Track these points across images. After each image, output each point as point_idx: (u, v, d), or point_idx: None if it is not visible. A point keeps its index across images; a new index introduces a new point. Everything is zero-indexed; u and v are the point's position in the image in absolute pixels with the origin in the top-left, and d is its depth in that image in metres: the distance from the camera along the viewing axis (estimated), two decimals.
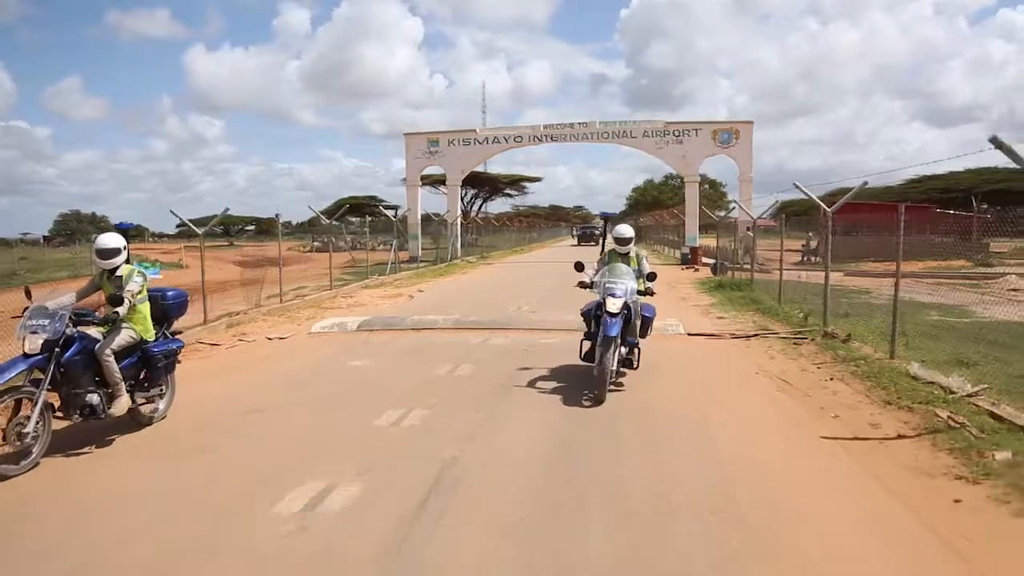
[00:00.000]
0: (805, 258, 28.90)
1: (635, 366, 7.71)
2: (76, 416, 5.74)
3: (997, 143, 5.49)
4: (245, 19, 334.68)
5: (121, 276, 6.17)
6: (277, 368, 9.42)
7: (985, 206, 33.12)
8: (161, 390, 6.58)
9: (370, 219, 36.04)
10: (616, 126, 34.92)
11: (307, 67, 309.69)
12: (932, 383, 7.17)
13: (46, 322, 5.50)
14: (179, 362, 6.95)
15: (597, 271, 7.89)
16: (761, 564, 3.77)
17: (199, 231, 14.73)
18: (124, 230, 6.59)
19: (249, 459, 5.59)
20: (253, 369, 9.43)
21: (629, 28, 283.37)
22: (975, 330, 10.97)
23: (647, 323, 7.98)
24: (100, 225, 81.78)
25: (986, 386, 6.76)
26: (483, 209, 79.68)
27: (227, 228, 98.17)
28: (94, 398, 5.77)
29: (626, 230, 8.12)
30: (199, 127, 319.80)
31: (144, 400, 6.34)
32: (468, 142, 36.78)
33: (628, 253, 8.03)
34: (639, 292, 7.65)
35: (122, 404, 5.91)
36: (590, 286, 7.83)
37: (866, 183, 11.20)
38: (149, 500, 4.75)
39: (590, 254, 10.80)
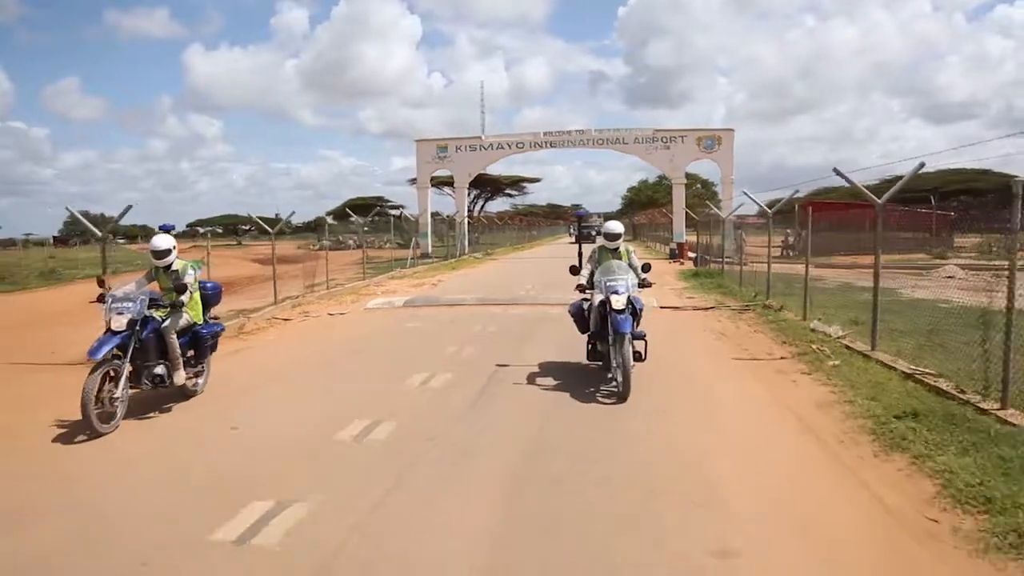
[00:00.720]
0: (784, 252, 31.91)
1: (643, 358, 7.62)
2: (146, 384, 6.64)
3: (837, 172, 8.67)
4: (244, 18, 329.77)
5: (177, 270, 7.10)
6: (352, 331, 12.68)
7: (955, 203, 36.16)
8: (203, 367, 7.52)
9: (377, 219, 38.60)
10: (610, 133, 38.16)
11: (305, 66, 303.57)
12: (821, 332, 10.35)
13: (129, 304, 6.40)
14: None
15: (591, 271, 7.95)
16: (681, 379, 7.09)
17: (248, 229, 17.96)
18: (168, 230, 7.40)
19: (374, 367, 9.06)
20: (332, 332, 12.67)
21: (627, 26, 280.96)
22: (884, 304, 14.12)
23: (639, 313, 7.73)
24: (107, 226, 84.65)
25: (852, 331, 9.95)
26: (485, 208, 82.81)
27: (235, 228, 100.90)
28: (162, 369, 6.71)
29: (615, 226, 8.13)
30: (197, 126, 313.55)
31: (192, 375, 7.23)
32: (474, 148, 39.88)
33: (618, 248, 8.05)
34: (638, 285, 7.69)
35: (181, 376, 6.87)
36: (589, 287, 7.84)
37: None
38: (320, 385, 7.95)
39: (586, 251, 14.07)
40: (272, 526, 4.28)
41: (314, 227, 73.51)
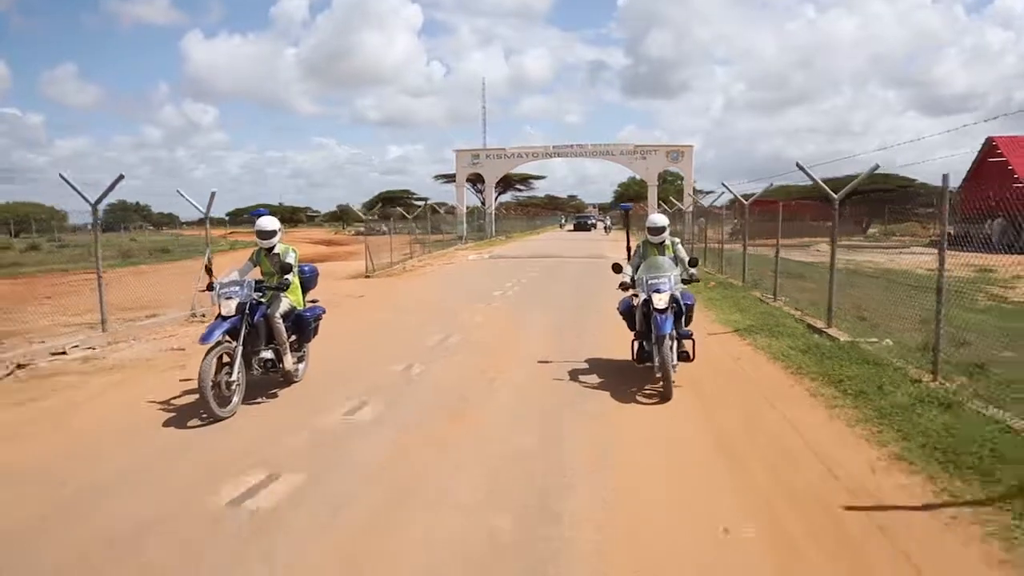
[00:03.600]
0: (732, 236, 36.06)
1: (691, 358, 6.18)
2: (257, 370, 5.69)
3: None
4: (244, 5, 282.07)
5: (278, 253, 6.04)
6: (466, 268, 21.03)
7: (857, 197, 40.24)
8: (305, 352, 6.40)
9: (419, 211, 41.06)
10: (601, 147, 43.48)
11: (304, 54, 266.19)
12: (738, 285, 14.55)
13: (236, 288, 5.48)
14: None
15: (635, 267, 6.41)
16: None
17: (363, 215, 22.60)
18: (264, 215, 6.28)
19: (484, 279, 16.68)
20: (455, 268, 20.12)
21: (627, 16, 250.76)
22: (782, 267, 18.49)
23: (689, 310, 6.18)
24: (144, 214, 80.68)
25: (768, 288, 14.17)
26: (497, 200, 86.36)
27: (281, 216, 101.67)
28: (270, 354, 5.77)
29: (659, 219, 6.56)
30: (194, 115, 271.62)
31: (295, 360, 6.17)
32: (500, 156, 44.58)
33: (663, 242, 6.47)
34: (683, 281, 6.20)
35: (289, 360, 5.91)
36: (632, 285, 6.30)
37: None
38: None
39: (585, 238, 21.03)
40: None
41: (339, 216, 72.58)
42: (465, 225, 42.45)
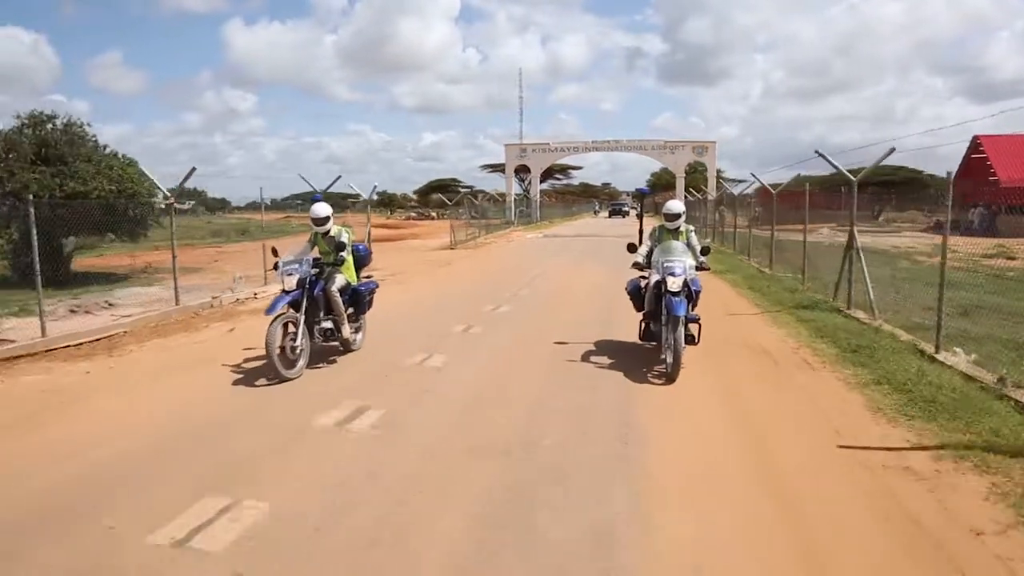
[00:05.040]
0: (752, 222, 36.03)
1: (696, 341, 5.79)
2: (318, 338, 5.81)
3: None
4: None
5: (333, 235, 6.15)
6: (527, 243, 23.64)
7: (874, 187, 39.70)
8: (361, 323, 6.51)
9: (441, 196, 41.62)
10: (636, 142, 44.91)
11: (343, 42, 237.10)
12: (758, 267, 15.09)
13: (297, 266, 5.64)
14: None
15: (649, 249, 6.17)
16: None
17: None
18: (319, 200, 6.46)
19: (538, 253, 18.67)
20: (517, 244, 21.67)
21: (665, 2, 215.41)
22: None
23: (696, 296, 5.93)
24: (201, 198, 76.78)
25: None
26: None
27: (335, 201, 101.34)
28: (329, 324, 5.92)
29: (676, 206, 6.29)
30: (232, 100, 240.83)
31: (353, 330, 6.28)
32: (544, 150, 45.98)
33: (678, 228, 6.19)
34: (696, 267, 5.87)
35: (346, 330, 6.05)
36: (645, 266, 6.09)
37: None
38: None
39: (619, 223, 21.64)
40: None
41: (386, 202, 70.07)
42: (514, 210, 43.26)
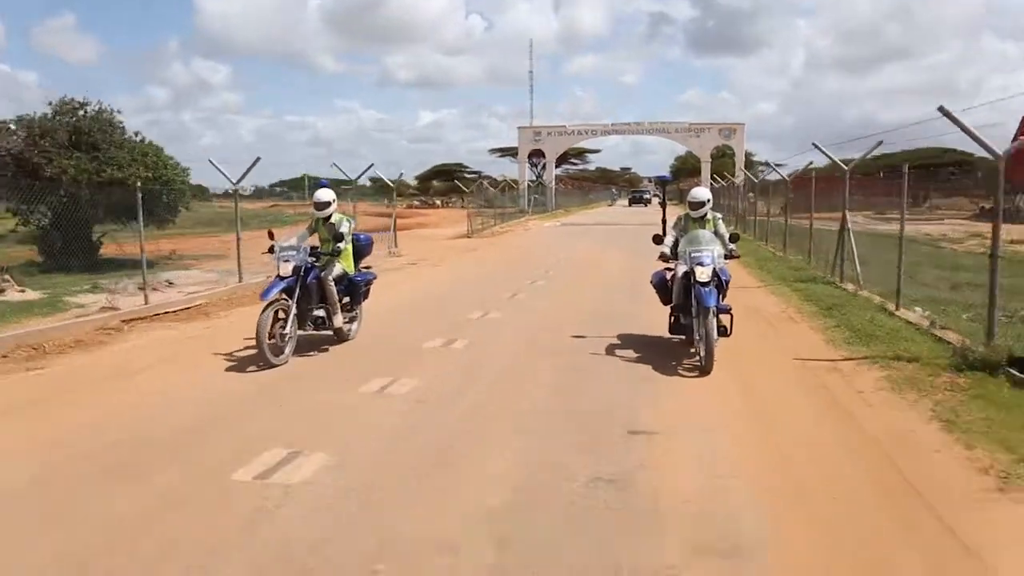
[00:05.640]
0: (783, 209, 36.13)
1: (728, 333, 5.64)
2: (309, 326, 5.96)
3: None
4: None
5: (334, 223, 6.23)
6: (547, 231, 25.46)
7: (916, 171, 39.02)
8: (357, 313, 6.59)
9: (483, 186, 40.31)
10: (658, 125, 44.89)
11: (328, 4, 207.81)
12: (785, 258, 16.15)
13: (293, 252, 5.75)
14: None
15: (674, 239, 5.99)
16: None
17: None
18: (325, 185, 6.44)
19: (558, 240, 20.57)
20: (535, 232, 22.97)
21: None
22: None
23: (726, 285, 5.75)
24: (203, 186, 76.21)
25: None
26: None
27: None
28: (322, 312, 6.03)
29: (701, 193, 6.15)
30: (203, 72, 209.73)
31: (347, 320, 6.35)
32: (560, 133, 46.09)
33: (704, 216, 6.00)
34: (725, 256, 5.71)
35: (339, 319, 6.12)
36: (672, 257, 5.92)
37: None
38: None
39: (639, 211, 24.01)
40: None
41: (392, 190, 70.65)
42: (528, 198, 43.96)
